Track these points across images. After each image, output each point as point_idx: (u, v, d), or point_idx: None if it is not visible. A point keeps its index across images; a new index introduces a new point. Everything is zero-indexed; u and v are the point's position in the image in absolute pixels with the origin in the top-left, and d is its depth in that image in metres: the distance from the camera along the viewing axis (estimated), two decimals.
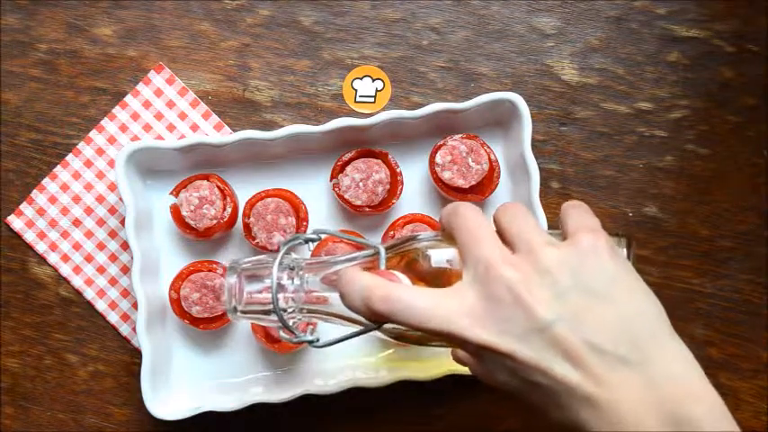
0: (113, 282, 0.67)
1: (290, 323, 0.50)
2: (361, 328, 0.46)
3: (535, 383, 0.40)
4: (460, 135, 0.64)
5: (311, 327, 0.55)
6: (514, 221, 0.44)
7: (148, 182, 0.66)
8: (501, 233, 0.44)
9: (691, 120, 0.68)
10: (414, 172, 0.66)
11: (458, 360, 0.50)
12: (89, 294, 0.67)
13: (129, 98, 0.67)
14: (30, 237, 0.67)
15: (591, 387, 0.39)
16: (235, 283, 0.51)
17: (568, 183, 0.68)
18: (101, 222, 0.67)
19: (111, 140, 0.67)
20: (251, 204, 0.63)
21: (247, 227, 0.63)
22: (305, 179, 0.66)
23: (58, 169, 0.67)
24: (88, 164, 0.67)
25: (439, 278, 0.45)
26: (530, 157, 0.62)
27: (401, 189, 0.64)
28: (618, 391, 0.39)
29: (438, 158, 0.63)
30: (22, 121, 0.67)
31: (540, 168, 0.62)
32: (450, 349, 0.53)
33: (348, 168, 0.64)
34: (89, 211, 0.67)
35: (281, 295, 0.49)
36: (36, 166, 0.67)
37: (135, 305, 0.64)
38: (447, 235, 0.46)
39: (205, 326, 0.63)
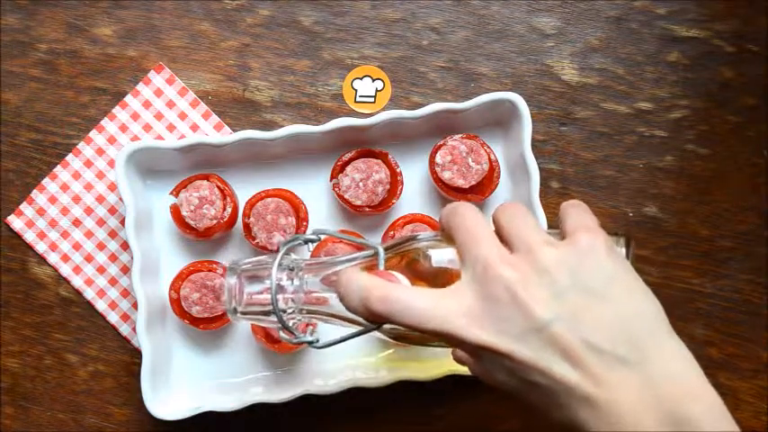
0: (113, 282, 0.67)
1: (290, 324, 0.50)
2: (361, 328, 0.46)
3: (534, 383, 0.40)
4: (460, 135, 0.64)
5: (311, 327, 0.55)
6: (513, 221, 0.44)
7: (148, 182, 0.66)
8: (500, 233, 0.44)
9: (691, 120, 0.68)
10: (414, 172, 0.66)
11: (457, 360, 0.50)
12: (89, 294, 0.67)
13: (129, 98, 0.67)
14: (30, 237, 0.67)
15: (589, 387, 0.39)
16: (235, 284, 0.50)
17: (568, 183, 0.68)
18: (101, 222, 0.67)
19: (111, 140, 0.67)
20: (251, 204, 0.63)
21: (247, 227, 0.63)
22: (305, 179, 0.66)
23: (57, 169, 0.67)
24: (88, 164, 0.67)
25: (438, 278, 0.45)
26: (530, 157, 0.62)
27: (401, 189, 0.64)
28: (616, 390, 0.39)
29: (438, 158, 0.63)
30: (22, 121, 0.67)
31: (540, 168, 0.62)
32: (450, 349, 0.53)
33: (348, 168, 0.64)
34: (89, 211, 0.67)
35: (280, 296, 0.49)
36: (36, 166, 0.67)
37: (135, 305, 0.64)
38: (446, 235, 0.46)
39: (205, 326, 0.63)
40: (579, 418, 0.39)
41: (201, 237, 0.63)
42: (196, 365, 0.66)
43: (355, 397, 0.63)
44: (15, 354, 0.67)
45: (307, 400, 0.62)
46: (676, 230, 0.68)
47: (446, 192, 0.64)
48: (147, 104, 0.67)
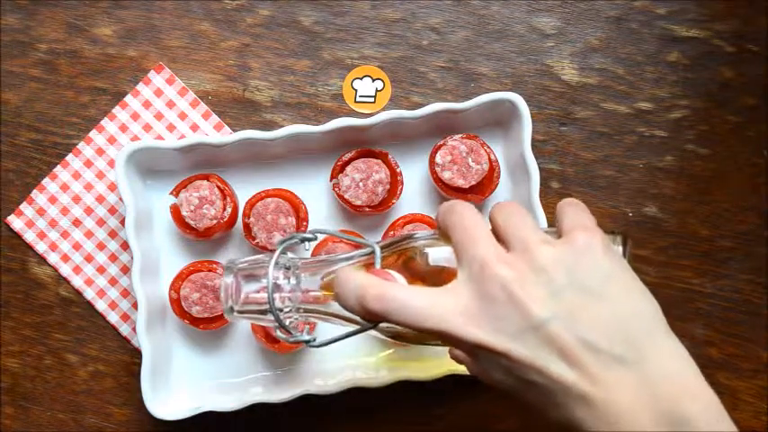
0: (113, 282, 0.67)
1: (287, 323, 0.50)
2: (358, 327, 0.46)
3: (531, 382, 0.40)
4: (460, 135, 0.64)
5: (307, 326, 0.55)
6: (510, 220, 0.44)
7: (148, 182, 0.66)
8: (496, 232, 0.44)
9: (691, 120, 0.68)
10: (414, 172, 0.66)
11: (454, 358, 0.50)
12: (89, 294, 0.67)
13: (129, 98, 0.67)
14: (30, 237, 0.67)
15: (586, 386, 0.39)
16: (231, 283, 0.51)
17: (568, 183, 0.68)
18: (101, 222, 0.67)
19: (111, 140, 0.67)
20: (251, 204, 0.64)
21: (247, 227, 0.63)
22: (305, 179, 0.66)
23: (57, 169, 0.67)
24: (88, 164, 0.67)
25: (435, 277, 0.45)
26: (530, 157, 0.62)
27: (401, 189, 0.64)
28: (613, 389, 0.39)
29: (438, 158, 0.63)
30: (22, 121, 0.67)
31: (540, 168, 0.62)
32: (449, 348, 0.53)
33: (348, 168, 0.64)
34: (89, 211, 0.67)
35: (277, 295, 0.49)
36: (36, 166, 0.67)
37: (135, 305, 0.64)
38: (443, 233, 0.46)
39: (205, 326, 0.63)
40: (576, 417, 0.39)
41: (201, 237, 0.63)
42: (196, 365, 0.66)
43: (355, 397, 0.63)
44: (15, 354, 0.67)
45: (307, 400, 0.62)
46: (676, 230, 0.68)
47: (446, 192, 0.64)
48: (147, 104, 0.67)
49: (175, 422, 0.61)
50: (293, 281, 0.50)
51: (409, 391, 0.64)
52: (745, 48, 0.68)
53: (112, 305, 0.67)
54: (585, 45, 0.68)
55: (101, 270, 0.67)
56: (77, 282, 0.67)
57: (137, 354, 0.66)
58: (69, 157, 0.67)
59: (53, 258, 0.67)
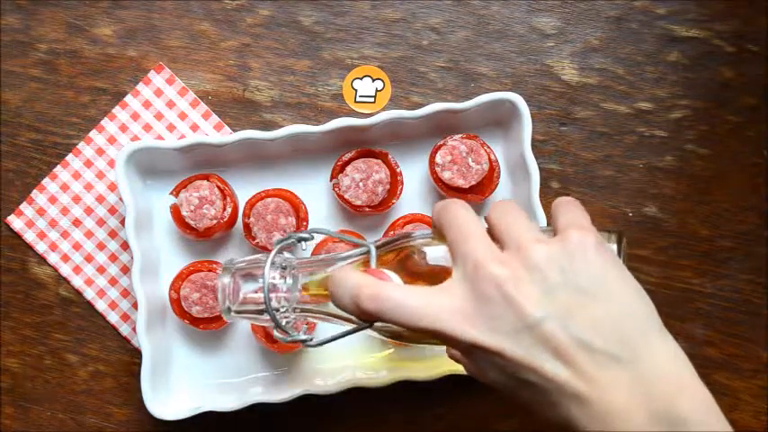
0: (113, 282, 0.67)
1: (284, 323, 0.50)
2: (354, 326, 0.47)
3: (525, 381, 0.40)
4: (460, 135, 0.64)
5: (304, 326, 0.55)
6: (504, 218, 0.44)
7: (148, 182, 0.66)
8: (491, 230, 0.44)
9: (691, 120, 0.68)
10: (414, 172, 0.66)
11: (452, 358, 0.50)
12: (89, 294, 0.67)
13: (129, 98, 0.67)
14: (30, 237, 0.67)
15: (581, 385, 0.39)
16: (228, 283, 0.51)
17: (568, 183, 0.68)
18: (101, 222, 0.67)
19: (111, 140, 0.67)
20: (251, 204, 0.64)
21: (247, 227, 0.63)
22: (305, 179, 0.66)
23: (57, 169, 0.67)
24: (88, 164, 0.67)
25: (431, 276, 0.45)
26: (530, 157, 0.62)
27: (401, 189, 0.64)
28: (608, 389, 0.39)
29: (438, 158, 0.63)
30: (22, 121, 0.67)
31: (540, 168, 0.62)
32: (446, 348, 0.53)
33: (348, 168, 0.64)
34: (89, 211, 0.67)
35: (273, 295, 0.50)
36: (36, 166, 0.67)
37: (135, 305, 0.64)
38: (438, 232, 0.46)
39: (205, 326, 0.63)
40: (571, 416, 0.39)
41: (201, 237, 0.63)
42: (196, 365, 0.66)
43: (355, 397, 0.63)
44: (15, 354, 0.67)
45: (307, 400, 0.62)
46: (676, 230, 0.68)
47: (446, 192, 0.64)
48: (147, 104, 0.67)
49: (175, 422, 0.61)
50: (289, 280, 0.50)
51: (409, 391, 0.64)
52: (745, 48, 0.68)
53: (112, 305, 0.67)
54: (585, 45, 0.68)
55: (101, 270, 0.67)
56: (77, 282, 0.67)
57: (137, 354, 0.66)
58: (69, 157, 0.67)
59: (53, 258, 0.67)
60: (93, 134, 0.67)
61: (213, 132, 0.67)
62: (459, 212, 0.44)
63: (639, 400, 0.38)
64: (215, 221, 0.63)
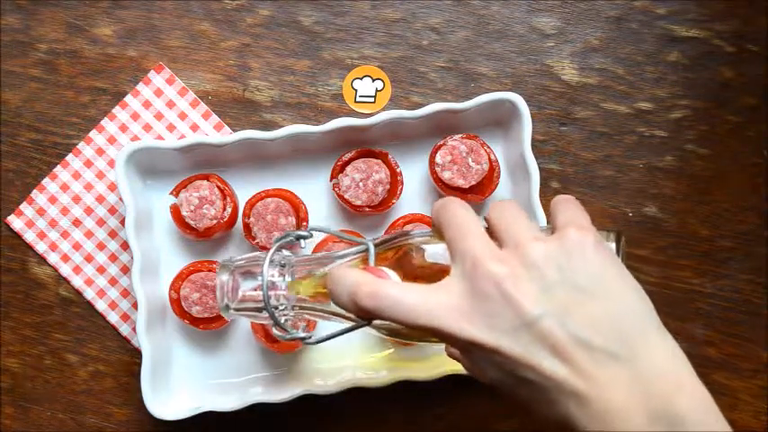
0: (113, 282, 0.67)
1: (282, 320, 0.50)
2: (353, 324, 0.47)
3: (524, 379, 0.40)
4: (460, 135, 0.64)
5: (303, 324, 0.55)
6: (503, 217, 0.44)
7: (148, 182, 0.66)
8: (490, 229, 0.44)
9: (691, 120, 0.68)
10: (414, 172, 0.66)
11: (451, 356, 0.50)
12: (89, 294, 0.67)
13: (129, 98, 0.67)
14: (30, 237, 0.67)
15: (579, 382, 0.39)
16: (227, 281, 0.51)
17: (568, 183, 0.68)
18: (101, 222, 0.67)
19: (111, 140, 0.67)
20: (251, 204, 0.64)
21: (247, 227, 0.63)
22: (305, 179, 0.66)
23: (57, 169, 0.67)
24: (88, 164, 0.67)
25: (429, 274, 0.45)
26: (530, 157, 0.62)
27: (401, 189, 0.64)
28: (606, 387, 0.39)
29: (438, 158, 0.63)
30: (22, 121, 0.67)
31: (540, 168, 0.62)
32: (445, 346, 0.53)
33: (348, 168, 0.64)
34: (89, 211, 0.67)
35: (272, 292, 0.50)
36: (36, 166, 0.67)
37: (135, 305, 0.64)
38: (436, 231, 0.46)
39: (205, 326, 0.63)
40: (569, 414, 0.39)
41: (201, 237, 0.63)
42: (196, 365, 0.66)
43: (355, 397, 0.63)
44: (15, 354, 0.67)
45: (307, 400, 0.62)
46: (676, 230, 0.68)
47: (446, 192, 0.64)
48: (147, 104, 0.67)
49: (175, 422, 0.61)
50: (288, 278, 0.50)
51: (409, 391, 0.64)
52: (745, 48, 0.68)
53: (112, 305, 0.67)
54: (585, 45, 0.68)
55: (101, 270, 0.67)
56: (77, 282, 0.67)
57: (137, 354, 0.66)
58: (69, 157, 0.67)
59: (53, 258, 0.67)
60: (93, 134, 0.67)
61: (213, 132, 0.67)
62: (457, 211, 0.44)
63: (638, 399, 0.38)
64: (215, 221, 0.63)
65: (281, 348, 0.63)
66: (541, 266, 0.40)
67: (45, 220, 0.67)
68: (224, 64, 0.68)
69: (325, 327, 0.64)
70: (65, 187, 0.67)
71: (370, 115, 0.66)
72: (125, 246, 0.67)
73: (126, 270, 0.67)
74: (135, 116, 0.67)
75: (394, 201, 0.64)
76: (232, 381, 0.65)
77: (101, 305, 0.67)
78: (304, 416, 0.66)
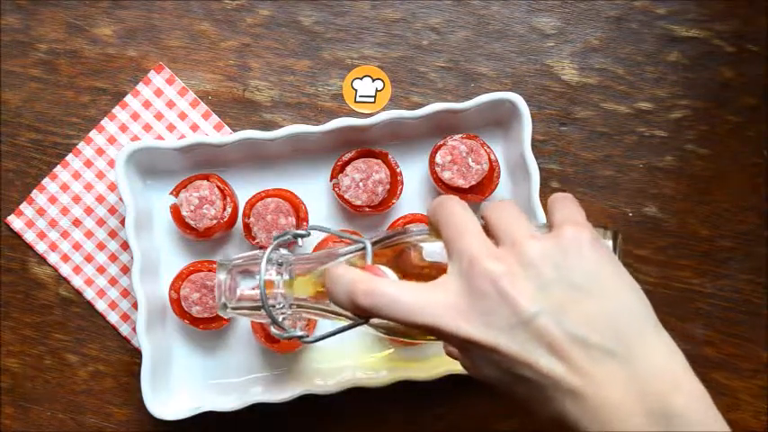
0: (113, 282, 0.67)
1: (280, 319, 0.50)
2: (350, 322, 0.47)
3: (521, 377, 0.40)
4: (460, 135, 0.64)
5: (301, 323, 0.55)
6: (500, 215, 0.44)
7: (148, 182, 0.66)
8: (487, 227, 0.44)
9: (691, 120, 0.68)
10: (414, 172, 0.66)
11: (449, 354, 0.50)
12: (89, 294, 0.67)
13: (129, 98, 0.67)
14: (30, 237, 0.67)
15: (576, 380, 0.39)
16: (225, 280, 0.51)
17: (568, 183, 0.68)
18: (101, 222, 0.67)
19: (111, 140, 0.67)
20: (251, 204, 0.64)
21: (247, 227, 0.63)
22: (305, 179, 0.66)
23: (57, 169, 0.67)
24: (88, 164, 0.67)
25: (426, 272, 0.45)
26: (530, 157, 0.62)
27: (401, 189, 0.64)
28: (603, 385, 0.39)
29: (438, 158, 0.63)
30: (22, 121, 0.67)
31: (540, 168, 0.62)
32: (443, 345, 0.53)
33: (348, 168, 0.64)
34: (89, 211, 0.67)
35: (269, 291, 0.50)
36: (36, 166, 0.67)
37: (135, 305, 0.64)
38: (434, 229, 0.46)
39: (205, 326, 0.63)
40: (566, 411, 0.39)
41: (201, 237, 0.63)
42: (196, 365, 0.66)
43: (355, 397, 0.63)
44: (15, 354, 0.67)
45: (307, 400, 0.62)
46: (676, 230, 0.68)
47: (446, 192, 0.64)
48: (147, 104, 0.67)
49: (175, 422, 0.61)
50: (285, 277, 0.50)
51: (409, 391, 0.64)
52: (745, 48, 0.68)
53: (112, 305, 0.67)
54: (585, 45, 0.68)
55: (101, 270, 0.67)
56: (77, 282, 0.67)
57: (137, 354, 0.66)
58: (69, 157, 0.67)
59: (53, 258, 0.67)
60: (93, 134, 0.67)
61: (213, 132, 0.67)
62: (454, 209, 0.44)
63: (635, 396, 0.38)
64: (215, 221, 0.63)
65: (281, 348, 0.63)
66: (538, 264, 0.41)
67: (45, 220, 0.67)
68: (224, 64, 0.68)
69: (325, 327, 0.64)
70: (65, 187, 0.67)
71: (370, 115, 0.66)
72: (125, 246, 0.67)
73: (126, 270, 0.67)
74: (135, 116, 0.67)
75: (394, 201, 0.64)
76: (232, 381, 0.65)
77: (101, 305, 0.67)
78: (304, 416, 0.66)
